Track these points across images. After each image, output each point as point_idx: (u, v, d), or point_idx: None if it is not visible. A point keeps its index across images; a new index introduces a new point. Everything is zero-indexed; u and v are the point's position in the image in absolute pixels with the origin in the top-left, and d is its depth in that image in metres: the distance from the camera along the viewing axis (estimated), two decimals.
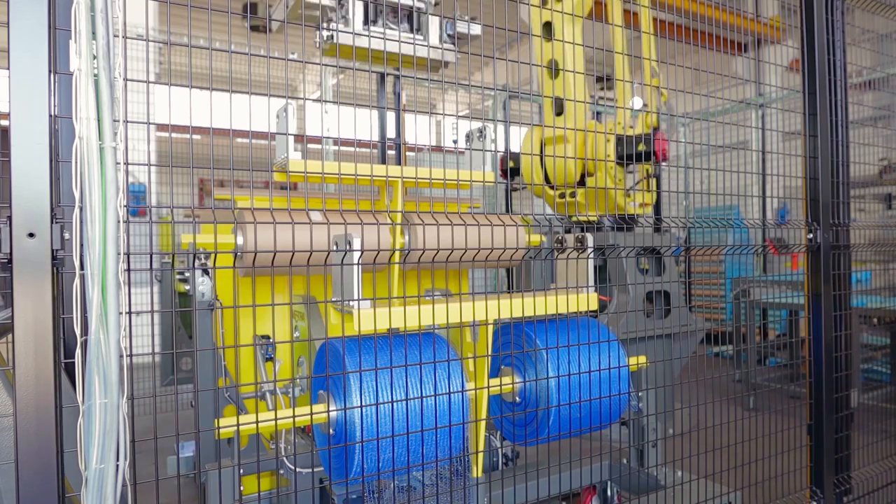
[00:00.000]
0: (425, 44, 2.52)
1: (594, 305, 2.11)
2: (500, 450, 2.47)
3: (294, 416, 1.66)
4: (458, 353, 1.99)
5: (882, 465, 2.96)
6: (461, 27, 2.63)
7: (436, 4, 2.61)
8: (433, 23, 2.57)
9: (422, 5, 2.55)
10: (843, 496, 2.69)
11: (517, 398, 2.09)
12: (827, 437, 2.61)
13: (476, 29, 2.64)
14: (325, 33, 2.39)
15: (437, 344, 1.87)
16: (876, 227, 3.65)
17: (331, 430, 1.79)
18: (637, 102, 4.49)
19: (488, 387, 1.98)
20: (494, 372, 2.17)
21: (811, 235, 2.63)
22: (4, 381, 1.57)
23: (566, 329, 2.08)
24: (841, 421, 2.69)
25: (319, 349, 1.93)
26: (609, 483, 2.56)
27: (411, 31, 2.56)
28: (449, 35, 2.60)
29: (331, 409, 1.74)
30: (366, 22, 2.44)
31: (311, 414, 1.70)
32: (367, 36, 2.35)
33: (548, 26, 4.45)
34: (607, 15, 4.42)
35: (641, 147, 4.05)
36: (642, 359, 2.31)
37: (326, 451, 1.83)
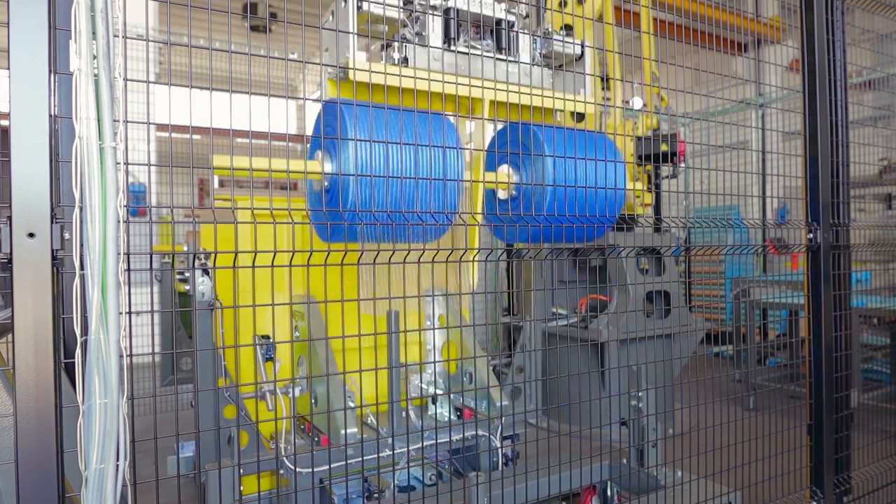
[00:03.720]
0: (515, 62, 2.07)
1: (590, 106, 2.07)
2: (500, 450, 2.48)
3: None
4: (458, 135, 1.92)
5: (882, 465, 2.96)
6: (558, 45, 2.16)
7: (526, 17, 2.17)
8: (524, 41, 2.13)
9: (512, 18, 2.12)
10: (843, 496, 2.69)
11: (513, 192, 2.01)
12: (827, 437, 2.61)
13: (577, 47, 2.17)
14: (395, 55, 1.98)
15: (436, 119, 1.79)
16: (876, 227, 3.65)
17: (325, 184, 1.73)
18: (637, 102, 4.48)
19: (484, 182, 1.90)
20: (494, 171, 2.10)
21: (811, 235, 2.63)
22: (4, 381, 1.57)
23: (564, 132, 2.02)
24: (841, 421, 2.69)
25: (325, 107, 1.82)
26: (609, 483, 2.56)
27: (498, 49, 2.10)
28: (543, 55, 2.15)
29: (325, 168, 1.69)
30: (445, 40, 1.99)
31: (307, 173, 1.64)
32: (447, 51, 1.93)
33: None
34: (606, 15, 4.42)
35: (665, 147, 4.05)
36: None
37: (321, 212, 1.76)
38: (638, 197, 4.47)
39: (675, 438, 2.60)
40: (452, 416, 2.60)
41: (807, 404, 2.68)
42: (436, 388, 2.72)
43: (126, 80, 1.36)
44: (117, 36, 1.32)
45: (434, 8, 2.01)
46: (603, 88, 5.24)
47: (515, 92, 1.89)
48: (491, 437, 2.47)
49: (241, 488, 2.03)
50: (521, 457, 2.65)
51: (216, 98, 1.47)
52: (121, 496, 1.30)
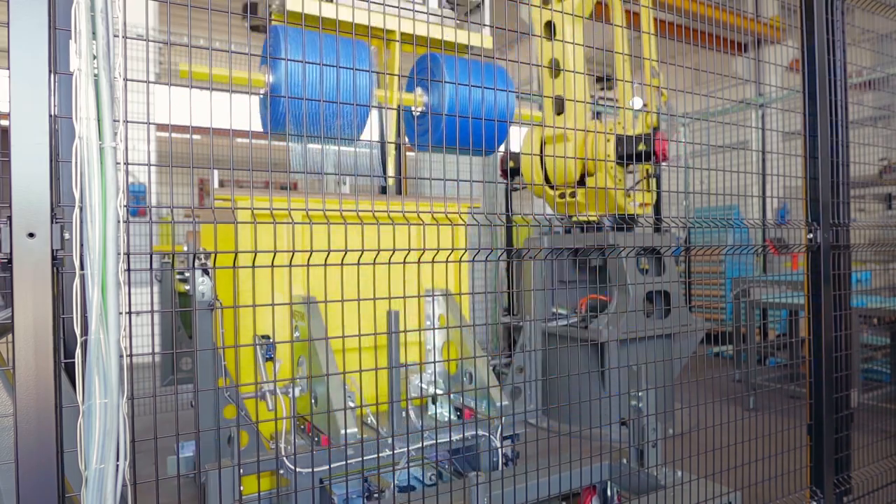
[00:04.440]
0: (424, 12, 2.47)
1: (488, 44, 2.59)
2: (500, 450, 2.48)
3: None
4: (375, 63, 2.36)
5: (882, 465, 2.96)
6: None
7: None
8: None
9: None
10: (843, 496, 2.69)
11: (424, 108, 2.45)
12: (827, 437, 2.61)
13: None
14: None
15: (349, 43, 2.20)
16: (876, 227, 3.65)
17: (266, 89, 2.10)
18: (637, 102, 4.49)
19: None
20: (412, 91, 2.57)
21: (811, 235, 2.63)
22: (4, 381, 1.57)
23: (467, 62, 2.46)
24: (841, 421, 2.69)
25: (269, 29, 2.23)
26: (609, 483, 2.56)
27: None
28: (448, 0, 2.58)
29: (268, 79, 2.08)
30: None
31: (250, 78, 1.85)
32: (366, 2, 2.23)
33: (549, 26, 4.44)
34: (607, 15, 4.43)
35: (641, 147, 4.06)
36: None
37: (266, 111, 2.16)
38: (629, 198, 4.46)
39: (675, 438, 2.60)
40: (452, 416, 2.60)
41: (807, 404, 2.68)
42: (436, 388, 2.71)
43: (126, 80, 1.36)
44: (117, 36, 1.32)
45: None
46: (603, 89, 5.25)
47: (416, 21, 2.36)
48: (491, 437, 2.47)
49: (241, 488, 2.03)
50: (521, 457, 2.65)
51: (216, 98, 1.47)
52: (121, 496, 1.30)
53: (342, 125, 2.18)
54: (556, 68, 4.42)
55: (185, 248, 2.59)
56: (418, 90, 2.57)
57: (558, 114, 4.59)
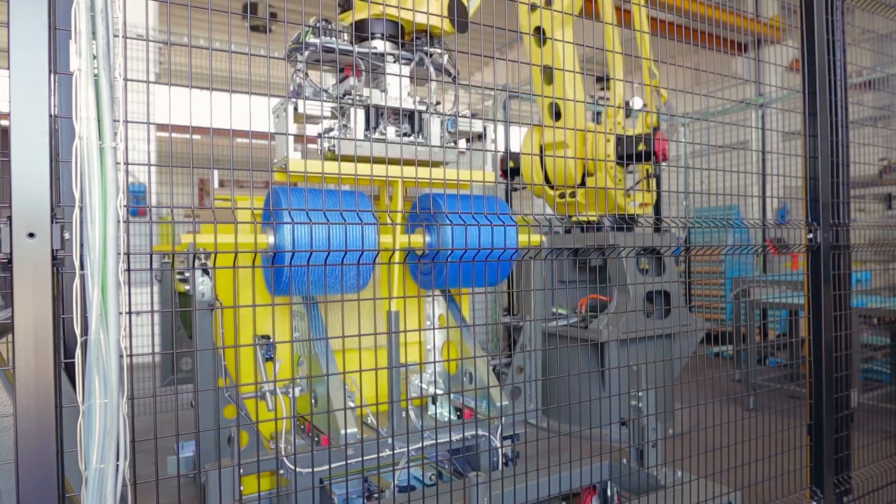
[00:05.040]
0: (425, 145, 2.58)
1: (490, 178, 2.62)
2: (500, 450, 2.48)
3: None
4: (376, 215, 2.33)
5: (882, 465, 2.96)
6: (462, 125, 2.67)
7: (437, 104, 2.67)
8: (434, 122, 2.63)
9: (423, 107, 2.61)
10: (843, 496, 2.69)
11: (426, 250, 2.41)
12: (827, 437, 2.61)
13: (477, 126, 2.69)
14: (325, 145, 2.45)
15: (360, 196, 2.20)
16: (876, 227, 3.65)
17: (270, 254, 2.06)
18: (637, 102, 4.49)
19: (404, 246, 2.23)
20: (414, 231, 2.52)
21: (811, 235, 2.63)
22: (4, 381, 1.57)
23: (468, 199, 2.46)
24: (841, 421, 2.69)
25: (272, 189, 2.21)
26: (609, 483, 2.56)
27: (412, 131, 2.60)
28: (450, 132, 2.65)
29: (269, 240, 2.03)
30: (367, 127, 2.48)
31: (256, 239, 1.88)
32: (370, 141, 2.42)
33: (539, 31, 4.43)
34: (598, 13, 4.42)
35: (641, 147, 4.06)
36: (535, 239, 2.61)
37: (270, 271, 2.16)
38: (629, 198, 4.47)
39: (675, 438, 2.60)
40: (452, 416, 2.60)
41: (807, 404, 2.68)
42: (436, 388, 2.72)
43: (126, 80, 1.36)
44: (117, 36, 1.32)
45: (359, 99, 2.48)
46: (602, 88, 5.25)
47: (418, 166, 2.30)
48: (491, 437, 2.47)
49: (241, 488, 2.03)
50: (521, 457, 2.65)
51: (216, 98, 1.47)
52: (121, 496, 1.30)
53: (347, 279, 2.19)
54: (548, 75, 4.42)
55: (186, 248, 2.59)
56: (420, 231, 2.56)
57: (556, 119, 4.59)
